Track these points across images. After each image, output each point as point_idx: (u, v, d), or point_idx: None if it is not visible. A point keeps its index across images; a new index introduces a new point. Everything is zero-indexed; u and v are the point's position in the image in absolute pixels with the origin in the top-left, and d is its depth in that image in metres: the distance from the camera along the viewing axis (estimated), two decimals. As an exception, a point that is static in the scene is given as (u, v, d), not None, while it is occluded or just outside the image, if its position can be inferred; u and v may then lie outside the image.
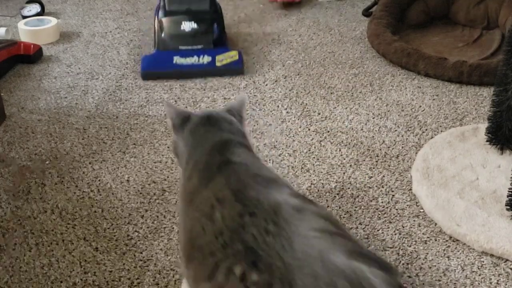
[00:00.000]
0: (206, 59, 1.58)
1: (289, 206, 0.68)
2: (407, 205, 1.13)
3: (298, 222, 0.62)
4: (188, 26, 1.63)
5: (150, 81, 1.56)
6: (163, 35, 1.62)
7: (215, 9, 1.69)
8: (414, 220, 1.09)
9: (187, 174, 0.82)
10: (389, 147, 1.29)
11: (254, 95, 1.49)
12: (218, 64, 1.58)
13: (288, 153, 1.27)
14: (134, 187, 1.17)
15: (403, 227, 1.07)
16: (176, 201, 1.13)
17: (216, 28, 1.65)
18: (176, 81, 1.56)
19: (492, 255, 1.01)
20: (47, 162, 1.24)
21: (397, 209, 1.12)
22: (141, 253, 1.02)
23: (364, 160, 1.25)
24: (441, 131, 1.34)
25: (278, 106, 1.45)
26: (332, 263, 0.56)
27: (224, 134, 0.86)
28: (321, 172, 1.22)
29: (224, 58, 1.58)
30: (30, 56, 1.65)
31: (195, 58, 1.58)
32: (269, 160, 1.25)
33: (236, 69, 1.59)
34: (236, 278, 0.59)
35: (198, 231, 0.70)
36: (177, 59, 1.58)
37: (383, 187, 1.17)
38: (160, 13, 1.66)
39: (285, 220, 0.63)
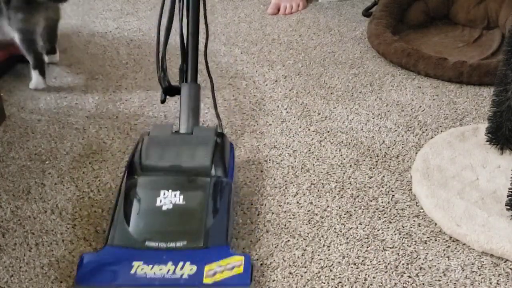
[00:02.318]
0: (187, 269, 0.91)
1: None
2: (407, 205, 1.13)
3: None
4: (167, 200, 0.97)
5: (150, 81, 1.56)
6: (122, 214, 0.98)
7: (221, 166, 1.03)
8: (414, 220, 1.09)
9: None
10: (389, 147, 1.29)
11: (254, 95, 1.49)
12: (207, 280, 0.90)
13: (288, 153, 1.27)
14: (134, 187, 1.17)
15: (403, 227, 1.07)
16: (176, 201, 1.13)
17: (219, 205, 0.99)
18: (176, 81, 1.56)
19: (492, 255, 1.01)
20: (47, 162, 1.25)
21: (397, 209, 1.12)
22: (141, 253, 1.01)
23: (364, 160, 1.25)
24: (441, 131, 1.34)
25: (278, 106, 1.45)
26: None
27: None
28: (321, 172, 1.22)
29: (220, 270, 0.90)
30: (30, 56, 1.65)
31: (169, 266, 0.91)
32: (269, 160, 1.25)
33: None
34: None
35: None
36: (139, 267, 0.91)
37: (383, 187, 1.17)
38: (131, 170, 1.04)
39: None
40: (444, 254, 1.02)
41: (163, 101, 1.10)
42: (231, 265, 0.92)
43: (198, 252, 0.93)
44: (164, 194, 0.98)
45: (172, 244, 0.94)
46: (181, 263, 0.91)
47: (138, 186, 1.00)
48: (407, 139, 1.32)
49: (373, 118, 1.40)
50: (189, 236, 0.95)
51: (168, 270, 0.91)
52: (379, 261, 1.00)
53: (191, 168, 1.02)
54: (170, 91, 1.13)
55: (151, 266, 0.91)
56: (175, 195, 0.98)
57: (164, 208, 0.97)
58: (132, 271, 0.91)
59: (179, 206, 0.97)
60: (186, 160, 1.02)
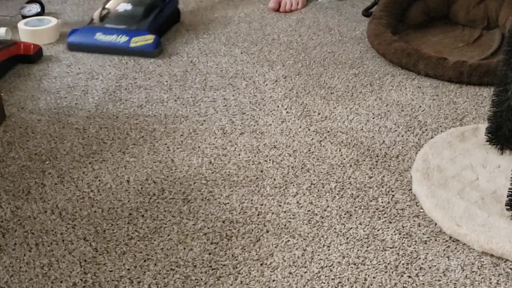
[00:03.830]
0: (123, 38, 1.68)
1: None
2: (407, 205, 1.13)
3: None
4: (123, 7, 1.76)
5: (150, 80, 1.56)
6: (99, 12, 1.78)
7: None
8: (414, 220, 1.09)
9: None
10: (389, 147, 1.29)
11: (254, 95, 1.49)
12: (132, 44, 1.67)
13: (288, 153, 1.27)
14: (134, 187, 1.17)
15: (403, 227, 1.07)
16: (175, 201, 1.14)
17: (150, 14, 1.75)
18: (176, 81, 1.56)
19: (492, 255, 1.01)
20: (47, 162, 1.25)
21: (397, 209, 1.12)
22: (141, 253, 1.02)
23: (364, 160, 1.25)
24: (441, 131, 1.34)
25: (278, 106, 1.45)
26: None
27: None
28: (321, 172, 1.22)
29: (139, 40, 1.67)
30: (30, 56, 1.65)
31: (114, 36, 1.69)
32: (269, 160, 1.25)
33: (148, 52, 1.67)
34: None
35: None
36: (99, 36, 1.70)
37: (383, 187, 1.17)
38: None
39: None
40: (444, 254, 1.02)
41: None
42: (147, 39, 1.69)
43: (131, 31, 1.71)
44: (122, 4, 1.77)
45: (119, 26, 1.72)
46: (120, 36, 1.69)
47: (110, 2, 1.79)
48: (407, 139, 1.32)
49: (373, 118, 1.40)
50: (128, 24, 1.73)
51: (113, 38, 1.69)
52: (379, 261, 1.00)
53: None
54: None
55: (105, 35, 1.70)
56: (128, 5, 1.77)
57: (119, 11, 1.76)
58: (95, 37, 1.71)
59: (128, 11, 1.76)
60: None
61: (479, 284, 0.96)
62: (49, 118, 1.40)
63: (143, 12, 1.75)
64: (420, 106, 1.44)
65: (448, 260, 1.00)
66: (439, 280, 0.97)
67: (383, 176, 1.20)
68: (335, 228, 1.07)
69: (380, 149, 1.29)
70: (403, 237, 1.05)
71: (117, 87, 1.53)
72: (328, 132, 1.35)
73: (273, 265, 0.99)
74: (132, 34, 1.69)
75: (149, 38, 1.68)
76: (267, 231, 1.07)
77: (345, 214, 1.10)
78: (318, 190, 1.17)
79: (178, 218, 1.09)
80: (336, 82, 1.56)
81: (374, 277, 0.97)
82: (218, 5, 2.06)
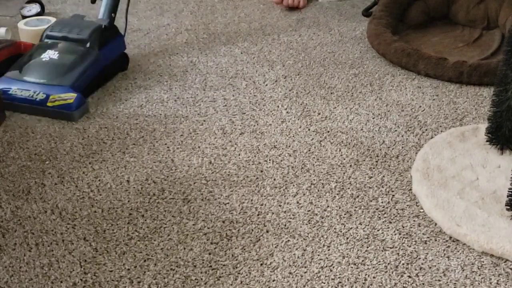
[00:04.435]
0: (40, 96, 1.40)
1: None
2: (407, 205, 1.13)
3: None
4: (49, 55, 1.47)
5: (150, 80, 1.56)
6: (22, 61, 1.49)
7: (97, 41, 1.50)
8: (414, 220, 1.09)
9: None
10: (389, 147, 1.29)
11: (254, 95, 1.49)
12: (49, 104, 1.39)
13: (288, 153, 1.27)
14: (134, 187, 1.17)
15: (403, 227, 1.07)
16: (175, 201, 1.14)
17: (79, 66, 1.45)
18: (176, 81, 1.56)
19: (492, 255, 1.01)
20: (47, 162, 1.25)
21: (397, 209, 1.12)
22: (141, 253, 1.02)
23: (364, 160, 1.25)
24: (441, 131, 1.34)
25: (278, 106, 1.45)
26: None
27: None
28: (321, 172, 1.22)
29: (58, 99, 1.39)
30: (30, 56, 1.65)
31: (31, 92, 1.41)
32: (269, 160, 1.25)
33: (65, 114, 1.38)
34: None
35: None
36: (14, 90, 1.42)
37: (383, 187, 1.17)
38: (42, 35, 1.57)
39: None
40: (444, 254, 1.02)
41: (93, 2, 1.62)
42: (66, 98, 1.39)
43: (50, 87, 1.41)
44: (49, 51, 1.48)
45: (37, 80, 1.43)
46: (37, 92, 1.41)
47: (38, 47, 1.51)
48: (407, 139, 1.32)
49: (373, 118, 1.40)
50: (49, 77, 1.43)
51: (29, 95, 1.41)
52: (379, 261, 1.00)
53: (74, 39, 1.51)
54: None
55: (21, 90, 1.42)
56: (53, 54, 1.47)
57: (43, 60, 1.46)
58: (10, 92, 1.42)
59: (54, 60, 1.46)
60: (73, 34, 1.52)
61: (479, 284, 0.96)
62: (49, 118, 1.40)
63: (70, 63, 1.45)
64: (420, 106, 1.44)
65: (448, 260, 1.00)
66: (439, 280, 0.97)
67: (383, 176, 1.20)
68: (335, 228, 1.07)
69: (380, 149, 1.29)
70: (403, 237, 1.05)
71: (117, 87, 1.53)
72: (328, 132, 1.35)
73: (273, 265, 0.99)
74: (51, 91, 1.40)
75: (69, 97, 1.38)
76: (267, 231, 1.07)
77: (345, 214, 1.10)
78: (318, 190, 1.17)
79: (178, 218, 1.09)
80: (336, 82, 1.56)
81: (374, 277, 0.97)
82: (218, 5, 2.06)
